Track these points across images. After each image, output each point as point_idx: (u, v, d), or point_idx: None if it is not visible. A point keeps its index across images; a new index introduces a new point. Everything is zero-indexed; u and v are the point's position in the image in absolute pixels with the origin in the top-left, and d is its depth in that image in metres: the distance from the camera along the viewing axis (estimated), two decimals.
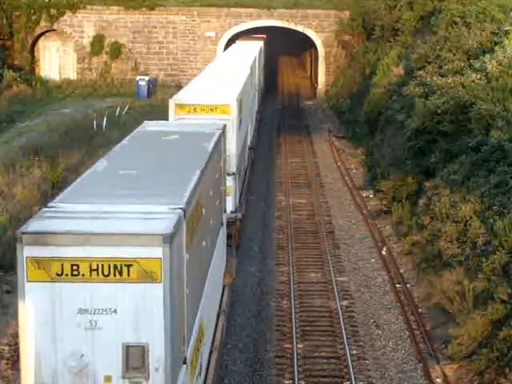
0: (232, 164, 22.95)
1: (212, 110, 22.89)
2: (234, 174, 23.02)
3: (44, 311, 9.66)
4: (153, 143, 15.28)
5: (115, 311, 9.67)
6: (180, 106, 22.87)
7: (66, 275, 9.58)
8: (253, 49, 46.29)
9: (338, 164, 38.99)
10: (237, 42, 54.53)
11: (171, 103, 23.04)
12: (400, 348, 19.09)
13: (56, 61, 61.09)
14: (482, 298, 18.81)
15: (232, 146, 22.65)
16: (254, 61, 40.00)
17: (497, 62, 29.27)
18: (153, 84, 56.89)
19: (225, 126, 17.25)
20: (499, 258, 19.05)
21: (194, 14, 59.23)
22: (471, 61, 31.27)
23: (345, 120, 48.82)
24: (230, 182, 22.02)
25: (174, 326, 9.82)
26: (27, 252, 9.50)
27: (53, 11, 58.85)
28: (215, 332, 15.44)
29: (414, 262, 24.14)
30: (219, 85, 26.72)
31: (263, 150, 41.90)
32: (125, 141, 15.28)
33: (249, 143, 33.64)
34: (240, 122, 24.98)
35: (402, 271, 23.95)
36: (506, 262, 18.90)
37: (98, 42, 59.34)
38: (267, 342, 19.29)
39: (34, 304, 9.60)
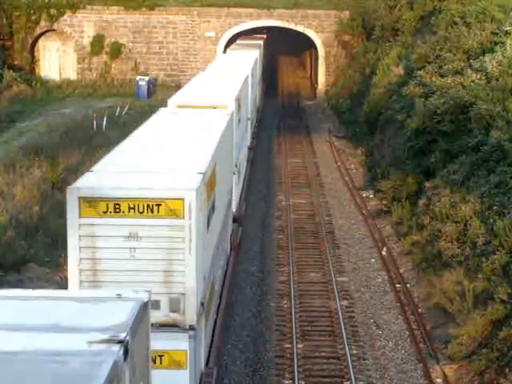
0: (188, 312, 12.60)
1: (151, 208, 12.42)
2: (193, 328, 12.63)
3: None
4: None
5: None
6: (89, 203, 12.33)
7: None
8: (246, 62, 38.88)
9: (338, 164, 38.98)
10: (228, 50, 51.75)
11: (71, 195, 12.33)
12: (400, 348, 19.08)
13: (56, 61, 61.08)
14: (482, 298, 18.81)
15: (189, 280, 12.50)
16: (246, 81, 30.87)
17: (497, 62, 29.28)
18: (153, 84, 56.89)
19: (152, 303, 8.63)
20: (499, 258, 19.07)
21: (193, 14, 59.23)
22: (471, 61, 31.28)
23: (345, 120, 48.83)
24: (183, 345, 12.49)
25: None
26: None
27: (53, 11, 58.86)
28: None
29: (413, 262, 24.13)
30: (172, 150, 15.63)
31: (263, 149, 41.89)
32: None
33: (234, 211, 23.80)
34: (212, 209, 15.00)
35: (401, 271, 23.95)
36: (506, 262, 18.91)
37: (98, 42, 59.33)
38: (267, 342, 19.30)
39: None
